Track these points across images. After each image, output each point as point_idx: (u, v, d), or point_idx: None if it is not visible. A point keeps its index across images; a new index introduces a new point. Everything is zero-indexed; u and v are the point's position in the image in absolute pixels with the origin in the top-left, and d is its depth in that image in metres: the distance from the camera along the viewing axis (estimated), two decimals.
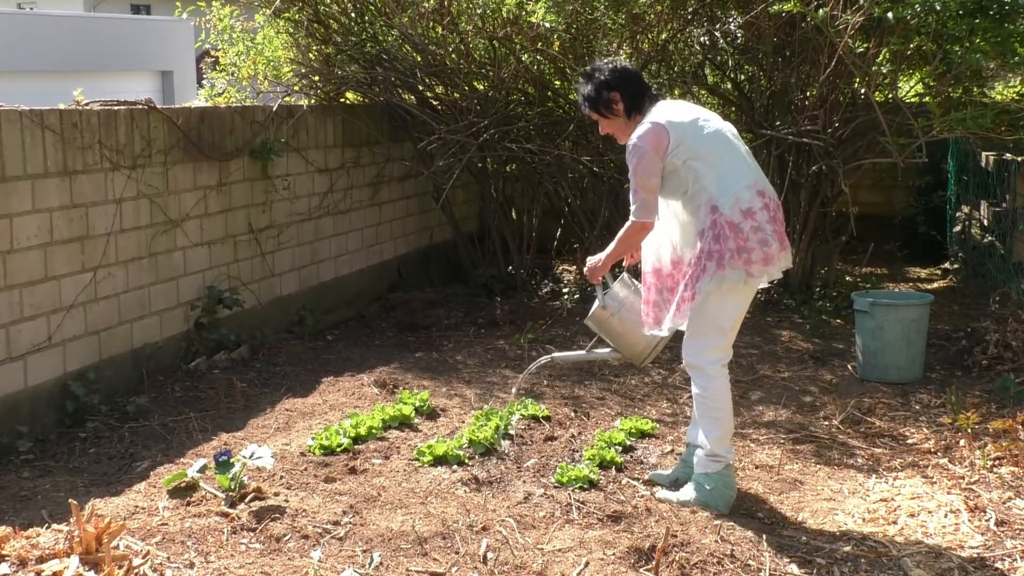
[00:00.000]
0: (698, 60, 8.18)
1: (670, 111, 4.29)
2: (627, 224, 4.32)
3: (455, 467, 4.59)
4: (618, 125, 4.39)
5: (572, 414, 5.41)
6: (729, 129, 4.36)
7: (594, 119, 4.51)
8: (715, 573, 3.74)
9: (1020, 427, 5.08)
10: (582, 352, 4.99)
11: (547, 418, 5.26)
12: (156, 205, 5.93)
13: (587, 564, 3.73)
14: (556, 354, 5.15)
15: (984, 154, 8.20)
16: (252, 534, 3.87)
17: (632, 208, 4.26)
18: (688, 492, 4.34)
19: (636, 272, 4.75)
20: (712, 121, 4.28)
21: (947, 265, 9.47)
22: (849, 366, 6.46)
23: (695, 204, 4.20)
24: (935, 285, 8.84)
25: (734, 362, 6.22)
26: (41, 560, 3.45)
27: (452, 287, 8.75)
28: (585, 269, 4.64)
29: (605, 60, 4.69)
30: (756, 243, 4.12)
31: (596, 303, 4.69)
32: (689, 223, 4.26)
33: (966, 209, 8.94)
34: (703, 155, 4.18)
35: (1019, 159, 7.46)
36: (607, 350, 4.79)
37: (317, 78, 8.06)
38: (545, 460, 4.75)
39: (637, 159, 4.20)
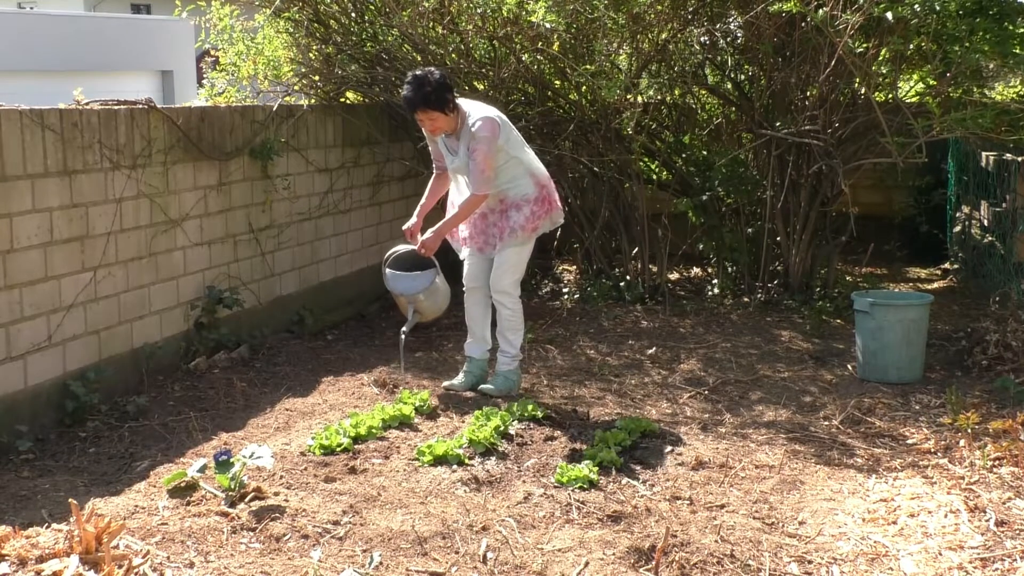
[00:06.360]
0: (698, 60, 8.18)
1: (492, 109, 5.40)
2: (472, 197, 5.34)
3: (455, 467, 4.59)
4: (451, 121, 5.29)
5: (572, 414, 5.41)
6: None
7: (430, 118, 5.25)
8: (715, 573, 3.74)
9: (1020, 427, 5.08)
10: (404, 328, 6.00)
11: (547, 418, 5.26)
12: (156, 205, 5.93)
13: (587, 564, 3.73)
14: (404, 332, 6.03)
15: (984, 154, 8.19)
16: (252, 534, 3.87)
17: (477, 184, 5.28)
18: (495, 384, 5.60)
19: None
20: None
21: (947, 265, 9.46)
22: (849, 366, 6.46)
23: (509, 185, 5.41)
24: (935, 285, 8.84)
25: (734, 361, 6.57)
26: (41, 560, 3.45)
27: (452, 287, 8.71)
28: (425, 243, 5.50)
29: (420, 68, 5.63)
30: (543, 213, 5.52)
31: (435, 277, 5.88)
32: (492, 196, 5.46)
33: (966, 209, 8.93)
34: (519, 150, 5.44)
35: (1019, 159, 7.45)
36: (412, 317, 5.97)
37: (317, 78, 8.06)
38: (545, 460, 4.75)
39: (487, 145, 5.21)
